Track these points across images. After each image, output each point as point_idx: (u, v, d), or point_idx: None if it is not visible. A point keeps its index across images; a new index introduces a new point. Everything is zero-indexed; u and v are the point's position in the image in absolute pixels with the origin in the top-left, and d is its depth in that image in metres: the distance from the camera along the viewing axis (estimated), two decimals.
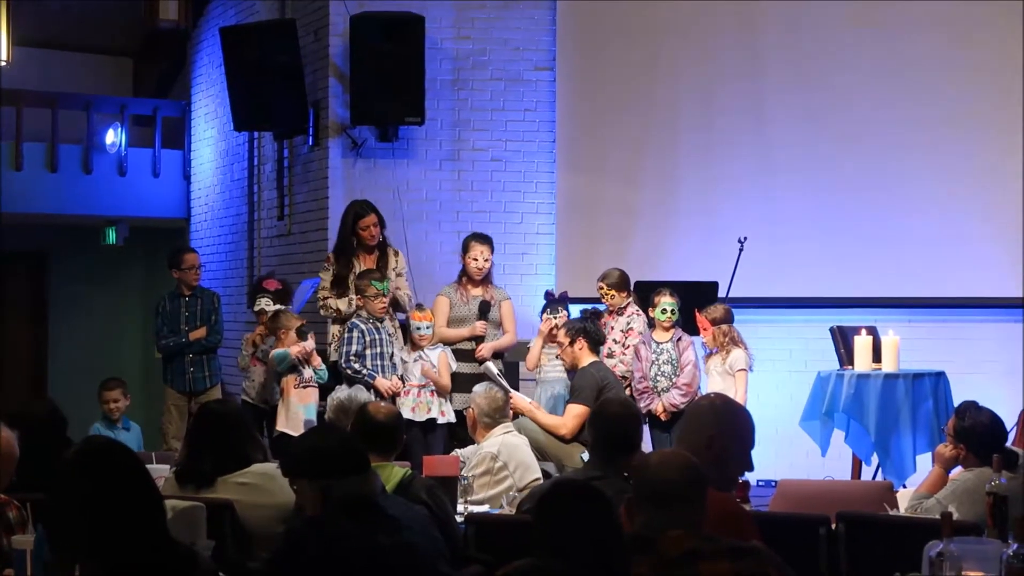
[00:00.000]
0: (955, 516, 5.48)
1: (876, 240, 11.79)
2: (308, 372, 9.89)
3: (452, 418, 9.96)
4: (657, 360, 9.98)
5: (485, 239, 10.57)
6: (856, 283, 11.73)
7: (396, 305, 10.26)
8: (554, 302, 10.37)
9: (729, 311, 10.11)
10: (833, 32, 12.07)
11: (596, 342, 9.71)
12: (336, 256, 10.48)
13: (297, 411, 9.84)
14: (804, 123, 12.09)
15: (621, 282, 10.30)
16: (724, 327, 10.01)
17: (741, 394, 9.79)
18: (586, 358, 9.60)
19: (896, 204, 11.81)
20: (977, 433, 6.69)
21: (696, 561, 4.20)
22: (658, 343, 10.02)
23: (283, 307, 10.40)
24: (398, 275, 10.46)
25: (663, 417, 9.92)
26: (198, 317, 11.54)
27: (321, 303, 10.39)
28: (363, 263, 10.38)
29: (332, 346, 10.17)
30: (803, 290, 11.86)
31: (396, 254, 10.59)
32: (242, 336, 11.29)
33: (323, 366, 9.99)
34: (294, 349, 9.86)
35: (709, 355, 10.08)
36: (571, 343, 9.65)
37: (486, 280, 10.54)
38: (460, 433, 9.50)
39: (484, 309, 10.40)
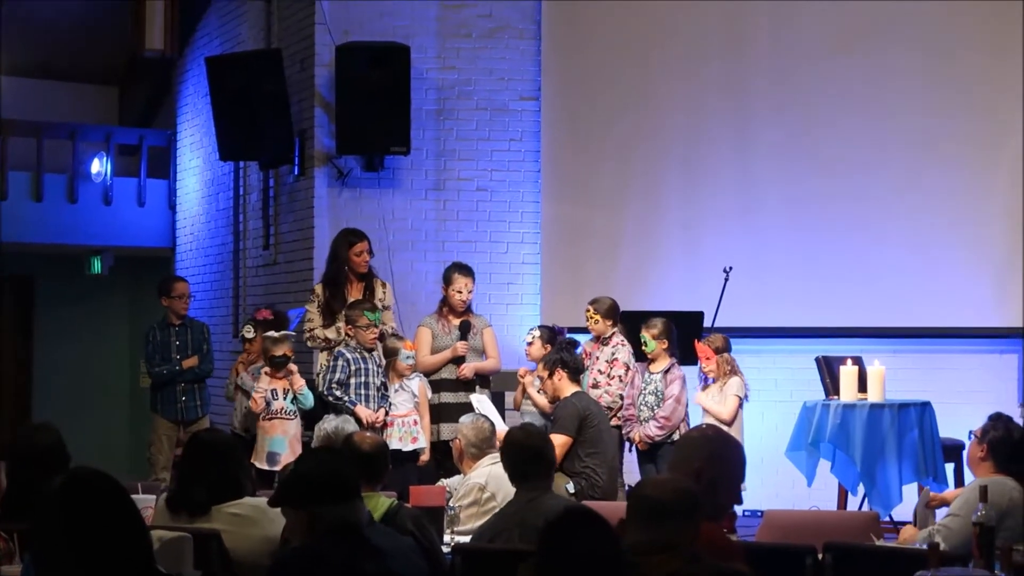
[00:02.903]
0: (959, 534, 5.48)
1: (861, 270, 11.83)
2: (277, 404, 9.86)
3: (423, 444, 9.93)
4: (644, 390, 10.00)
5: (468, 271, 10.52)
6: (841, 313, 11.76)
7: (381, 337, 10.21)
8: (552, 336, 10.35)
9: (728, 340, 10.14)
10: (817, 65, 12.13)
11: (575, 371, 9.68)
12: (326, 284, 10.44)
13: (262, 442, 9.85)
14: (788, 154, 12.13)
15: (609, 311, 10.29)
16: (726, 356, 10.04)
17: (729, 413, 9.83)
18: (567, 388, 9.57)
19: (881, 235, 11.86)
20: (1008, 443, 6.81)
21: None
22: (651, 373, 10.05)
23: (268, 333, 10.34)
24: (385, 307, 10.40)
25: (640, 447, 10.00)
26: (189, 346, 11.53)
27: (308, 334, 10.35)
28: (351, 292, 10.36)
29: (320, 375, 10.13)
30: (788, 320, 11.89)
31: (384, 286, 10.53)
32: (229, 366, 11.26)
33: (305, 391, 9.92)
34: (255, 398, 9.83)
35: (706, 385, 10.08)
36: (550, 375, 9.64)
37: (467, 310, 10.52)
38: (446, 463, 9.47)
39: (465, 329, 10.38)
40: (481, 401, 9.81)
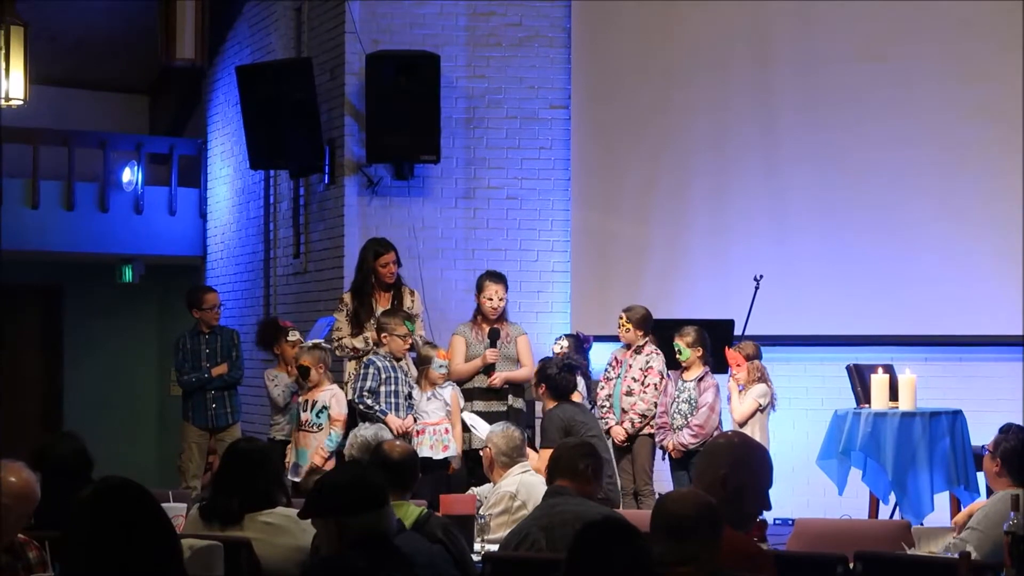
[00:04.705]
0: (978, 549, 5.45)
1: (892, 278, 11.78)
2: (305, 416, 9.87)
3: (454, 452, 9.92)
4: (678, 398, 10.00)
5: (500, 278, 10.53)
6: (872, 321, 11.72)
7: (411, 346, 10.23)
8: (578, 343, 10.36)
9: (758, 347, 10.13)
10: (846, 71, 12.08)
11: (557, 391, 9.55)
12: (354, 294, 10.46)
13: (290, 453, 9.94)
14: (817, 161, 12.09)
15: (642, 321, 10.28)
16: (756, 363, 10.02)
17: (740, 414, 9.87)
18: (550, 403, 9.57)
19: (911, 242, 11.81)
20: (1022, 454, 6.73)
21: None
22: (684, 381, 10.04)
23: (305, 343, 10.41)
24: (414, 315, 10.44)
25: (673, 455, 10.01)
26: (218, 354, 11.56)
27: (337, 343, 10.36)
28: (379, 302, 10.37)
29: (348, 383, 10.15)
30: (819, 328, 11.85)
31: (412, 294, 10.57)
32: (262, 373, 11.27)
33: (335, 434, 9.88)
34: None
35: (742, 391, 10.06)
36: (538, 383, 9.66)
37: (501, 318, 10.52)
38: (477, 471, 9.47)
39: (494, 336, 10.37)
40: (473, 418, 9.84)
